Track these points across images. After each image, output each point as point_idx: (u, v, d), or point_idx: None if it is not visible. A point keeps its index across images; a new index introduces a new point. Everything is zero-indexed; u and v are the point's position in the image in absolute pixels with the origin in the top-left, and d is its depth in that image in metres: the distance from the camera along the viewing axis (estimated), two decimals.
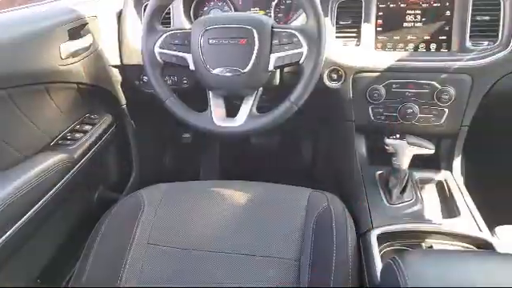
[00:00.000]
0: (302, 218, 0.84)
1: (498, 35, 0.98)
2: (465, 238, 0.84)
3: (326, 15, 1.02)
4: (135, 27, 1.12)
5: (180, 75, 1.11)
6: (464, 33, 1.00)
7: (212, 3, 1.16)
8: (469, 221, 0.89)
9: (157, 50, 0.90)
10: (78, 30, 1.02)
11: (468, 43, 1.00)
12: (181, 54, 0.91)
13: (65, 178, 0.98)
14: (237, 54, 0.87)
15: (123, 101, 1.23)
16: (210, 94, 0.92)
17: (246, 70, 0.86)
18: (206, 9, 1.17)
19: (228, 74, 0.87)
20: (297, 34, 0.85)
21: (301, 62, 0.85)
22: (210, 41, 0.87)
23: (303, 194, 0.90)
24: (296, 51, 0.85)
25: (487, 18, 0.99)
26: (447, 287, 0.51)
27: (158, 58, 0.91)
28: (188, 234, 0.83)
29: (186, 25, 1.10)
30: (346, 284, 0.73)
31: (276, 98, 0.92)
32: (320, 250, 0.78)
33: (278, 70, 1.03)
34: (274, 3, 1.11)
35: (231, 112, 0.93)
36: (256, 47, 0.85)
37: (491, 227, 0.88)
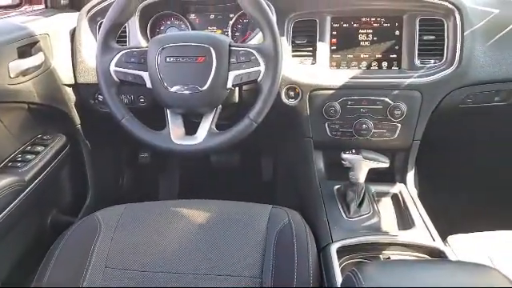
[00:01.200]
0: (262, 234, 0.84)
1: (443, 54, 1.05)
2: (419, 248, 0.86)
3: (282, 34, 1.05)
4: (89, 45, 1.10)
5: (137, 94, 1.10)
6: (412, 51, 1.06)
7: (169, 22, 1.16)
8: (423, 231, 0.92)
9: (112, 68, 0.89)
10: (28, 47, 0.98)
11: (417, 61, 1.06)
12: (137, 72, 0.89)
13: (14, 202, 0.92)
14: (195, 72, 0.87)
15: (77, 121, 1.19)
16: (168, 112, 0.91)
17: (204, 88, 0.86)
18: (162, 27, 1.17)
19: (186, 92, 0.87)
20: (254, 52, 0.86)
21: (259, 79, 0.86)
22: (168, 59, 0.86)
23: (264, 211, 0.90)
24: (254, 69, 0.86)
25: (433, 37, 1.05)
26: None
27: (114, 76, 0.89)
28: (147, 256, 0.80)
29: (143, 43, 1.10)
30: None
31: (235, 116, 0.92)
32: (281, 265, 0.78)
33: (237, 88, 1.04)
34: (231, 22, 1.12)
35: (190, 130, 0.92)
36: (214, 65, 0.85)
37: (443, 237, 0.91)
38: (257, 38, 1.05)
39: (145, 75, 0.89)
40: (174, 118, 0.91)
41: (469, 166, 1.50)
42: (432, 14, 1.04)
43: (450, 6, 1.01)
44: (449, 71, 1.02)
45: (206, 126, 0.90)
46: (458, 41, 1.01)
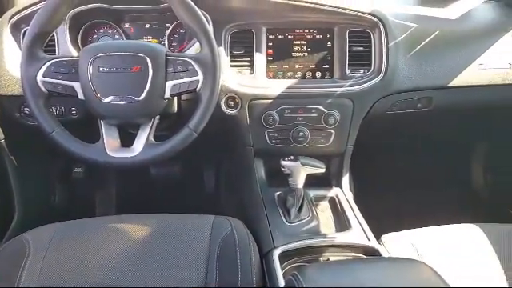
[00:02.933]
0: (206, 245, 0.84)
1: (371, 64, 1.11)
2: (356, 248, 0.91)
3: (219, 45, 1.06)
4: (13, 54, 1.02)
5: (68, 105, 1.04)
6: (344, 62, 1.11)
7: (102, 31, 1.12)
8: (358, 232, 0.97)
9: (40, 78, 0.84)
10: None
11: (347, 71, 1.12)
12: (68, 82, 0.85)
13: None
14: (130, 82, 0.84)
15: (1, 135, 1.10)
16: (102, 123, 0.88)
17: (140, 98, 0.84)
18: (95, 36, 1.12)
19: (121, 103, 0.84)
20: (191, 62, 0.86)
21: (197, 89, 0.86)
22: (101, 68, 0.83)
23: (206, 221, 0.90)
24: (192, 79, 0.86)
25: (361, 48, 1.12)
26: None
27: (42, 87, 0.84)
28: (83, 276, 0.76)
29: (74, 52, 1.04)
30: None
31: (174, 126, 0.91)
32: (225, 275, 0.78)
33: (176, 98, 1.02)
34: (167, 32, 1.11)
35: (126, 142, 0.89)
36: (150, 75, 0.84)
37: (377, 236, 0.97)
38: (194, 48, 1.05)
39: (76, 86, 0.85)
40: (108, 130, 0.88)
41: (398, 168, 1.62)
42: (359, 27, 1.10)
43: (375, 19, 1.08)
44: (376, 80, 1.09)
45: (143, 137, 0.88)
46: (384, 52, 1.08)
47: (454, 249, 0.91)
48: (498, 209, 1.50)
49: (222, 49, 1.07)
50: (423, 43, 1.12)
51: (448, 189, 1.63)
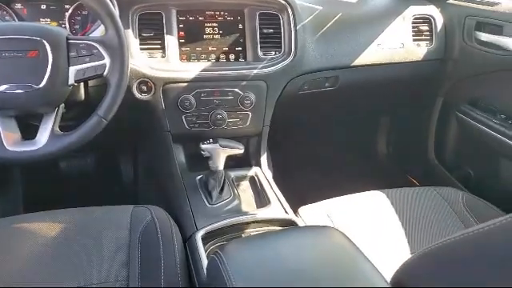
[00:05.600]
0: (126, 236, 0.81)
1: (281, 46, 1.15)
2: (275, 222, 0.95)
3: (127, 27, 1.01)
4: None
5: None
6: (255, 44, 1.13)
7: None
8: (277, 207, 1.01)
9: None
10: None
11: (260, 53, 1.14)
12: None
13: None
14: (27, 69, 0.77)
15: None
16: None
17: (40, 86, 0.78)
18: None
19: (19, 91, 0.77)
20: (96, 45, 0.81)
21: (105, 74, 0.82)
22: None
23: (125, 212, 0.87)
24: (98, 63, 0.81)
25: (271, 30, 1.15)
26: (263, 263, 0.57)
27: None
28: None
29: None
30: None
31: (83, 114, 0.86)
32: (148, 263, 0.77)
33: (82, 84, 0.96)
34: (67, 14, 1.03)
35: (28, 134, 0.82)
36: (50, 60, 0.77)
37: (295, 209, 1.03)
38: (99, 31, 0.99)
39: None
40: (5, 122, 0.80)
41: (312, 144, 1.71)
42: (269, 9, 1.13)
43: (283, 1, 1.11)
44: (287, 62, 1.13)
45: (47, 127, 0.81)
46: (292, 34, 1.12)
47: (363, 214, 0.99)
48: (399, 176, 1.67)
49: (129, 31, 1.02)
50: (328, 25, 1.19)
51: (357, 160, 1.77)
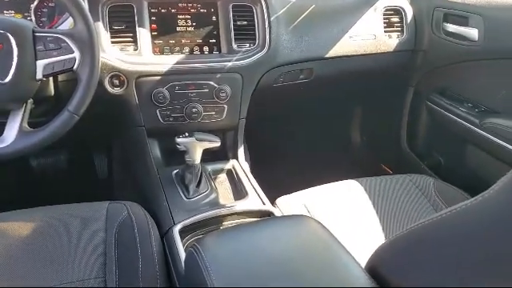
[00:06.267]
0: (102, 232, 0.80)
1: (255, 38, 1.15)
2: (252, 213, 0.96)
3: (97, 20, 0.99)
4: None
5: None
6: (229, 36, 1.13)
7: None
8: (255, 199, 1.02)
9: None
10: None
11: (234, 45, 1.13)
12: None
13: None
14: None
15: None
16: None
17: (6, 81, 0.75)
18: None
19: None
20: (64, 38, 0.79)
21: (75, 68, 0.80)
22: None
23: (100, 209, 0.86)
24: (67, 57, 0.79)
25: (245, 22, 1.14)
26: (241, 253, 0.58)
27: None
28: None
29: None
30: (155, 285, 0.73)
31: (53, 110, 0.84)
32: (125, 260, 0.76)
33: (51, 79, 0.94)
34: (33, 6, 0.99)
35: None
36: (15, 54, 0.75)
37: (273, 200, 1.04)
38: (68, 23, 0.96)
39: None
40: None
41: (289, 135, 1.72)
42: (242, 1, 1.12)
43: None
44: (261, 54, 1.13)
45: (15, 124, 0.79)
46: (266, 26, 1.12)
47: (339, 203, 1.02)
48: (374, 164, 1.71)
49: (99, 24, 1.00)
50: (301, 17, 1.19)
51: (333, 151, 1.80)
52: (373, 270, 0.59)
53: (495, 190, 0.42)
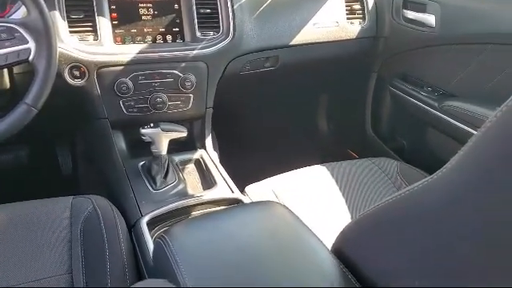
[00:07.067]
0: (66, 227, 0.78)
1: (219, 26, 1.14)
2: (221, 202, 0.96)
3: (52, 8, 0.95)
4: None
5: None
6: (193, 24, 1.11)
7: None
8: (224, 187, 1.02)
9: None
10: None
11: (198, 33, 1.12)
12: None
13: None
14: None
15: None
16: None
17: None
18: None
19: None
20: (17, 28, 0.76)
21: (30, 59, 0.77)
22: None
23: (64, 204, 0.83)
24: (21, 47, 0.76)
25: (209, 10, 1.13)
26: (208, 241, 0.58)
27: None
28: None
29: None
30: (123, 278, 0.73)
31: (9, 104, 0.80)
32: (92, 254, 0.75)
33: (6, 71, 0.90)
34: None
35: None
36: None
37: (242, 189, 1.04)
38: (21, 12, 0.92)
39: None
40: None
41: (257, 123, 1.73)
42: None
43: None
44: (226, 42, 1.12)
45: None
46: (230, 14, 1.11)
47: (307, 188, 1.03)
48: (340, 150, 1.75)
49: (56, 13, 0.95)
50: (265, 5, 1.19)
51: (300, 138, 1.82)
52: (338, 250, 0.61)
53: (448, 168, 0.44)
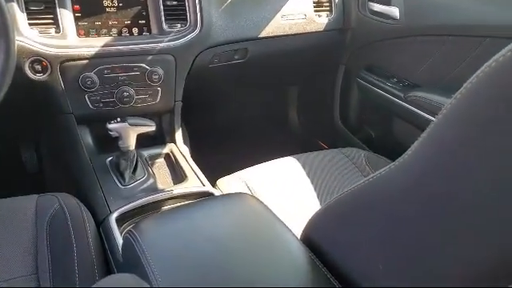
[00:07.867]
0: (32, 226, 0.76)
1: (187, 18, 1.12)
2: (192, 196, 0.96)
3: (10, 0, 0.91)
4: None
5: None
6: (159, 17, 1.09)
7: None
8: (194, 181, 1.02)
9: None
10: None
11: (165, 26, 1.10)
12: None
13: None
14: None
15: None
16: None
17: None
18: None
19: None
20: None
21: None
22: None
23: (29, 202, 0.81)
24: None
25: (175, 2, 1.11)
26: (178, 234, 0.58)
27: None
28: None
29: None
30: (92, 275, 0.71)
31: None
32: (59, 253, 0.73)
33: None
34: None
35: None
36: None
37: (214, 182, 1.04)
38: None
39: None
40: None
41: (228, 116, 1.73)
42: None
43: None
44: (194, 34, 1.11)
45: None
46: (197, 6, 1.10)
47: (278, 179, 1.04)
48: (311, 141, 1.78)
49: (13, 4, 0.92)
50: None
51: (271, 130, 1.83)
52: (307, 238, 0.62)
53: (409, 154, 0.46)
